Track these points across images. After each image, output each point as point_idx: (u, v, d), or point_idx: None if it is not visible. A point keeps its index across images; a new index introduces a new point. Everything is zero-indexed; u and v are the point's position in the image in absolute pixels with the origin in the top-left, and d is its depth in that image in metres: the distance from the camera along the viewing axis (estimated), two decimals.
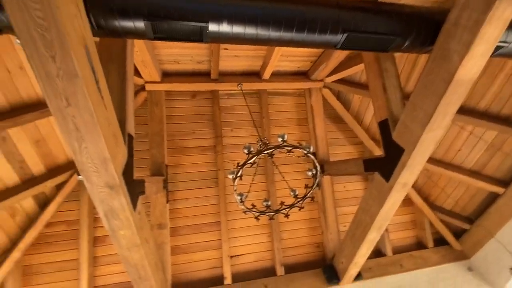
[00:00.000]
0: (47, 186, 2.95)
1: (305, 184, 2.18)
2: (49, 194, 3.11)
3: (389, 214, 2.46)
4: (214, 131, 3.59)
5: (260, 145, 2.32)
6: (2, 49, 2.29)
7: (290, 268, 3.44)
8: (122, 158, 1.72)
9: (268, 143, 2.31)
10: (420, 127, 1.90)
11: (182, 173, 3.47)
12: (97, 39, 1.81)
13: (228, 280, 3.21)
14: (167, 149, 3.33)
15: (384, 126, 2.26)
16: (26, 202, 2.93)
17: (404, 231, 4.02)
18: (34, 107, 2.60)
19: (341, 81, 3.69)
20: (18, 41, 2.12)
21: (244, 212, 2.13)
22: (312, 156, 1.94)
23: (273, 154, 1.84)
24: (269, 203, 2.27)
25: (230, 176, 2.00)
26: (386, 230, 3.87)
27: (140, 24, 1.45)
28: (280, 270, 3.36)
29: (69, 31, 1.13)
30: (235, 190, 2.00)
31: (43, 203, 3.09)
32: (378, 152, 3.79)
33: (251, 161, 1.81)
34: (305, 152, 1.88)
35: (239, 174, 1.89)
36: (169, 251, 3.13)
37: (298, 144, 1.90)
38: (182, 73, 3.44)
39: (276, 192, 3.58)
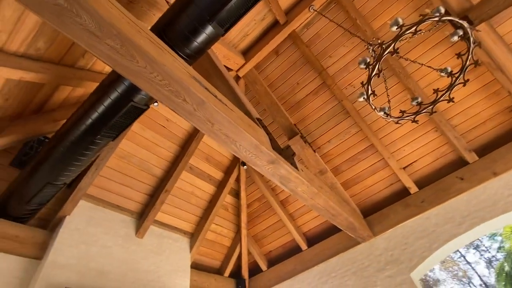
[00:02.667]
0: (230, 182, 3.89)
1: (456, 54, 1.69)
2: (235, 187, 4.09)
3: None
4: (314, 70, 3.43)
5: (372, 49, 2.00)
6: (150, 115, 3.13)
7: (484, 149, 2.87)
8: (265, 138, 1.99)
9: (379, 41, 1.95)
10: None
11: (311, 123, 3.58)
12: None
13: (413, 189, 3.11)
14: (286, 111, 3.52)
15: None
16: (227, 198, 4.01)
17: None
18: (189, 139, 3.44)
19: None
20: (156, 104, 2.78)
21: (397, 123, 1.95)
22: (451, 17, 1.44)
23: (397, 49, 1.53)
24: (419, 99, 1.96)
25: (361, 99, 1.86)
26: None
27: (209, 30, 1.57)
28: (470, 157, 2.88)
29: (179, 75, 1.39)
30: (375, 109, 1.85)
31: (235, 194, 4.12)
32: None
33: (375, 71, 1.60)
34: (438, 19, 1.42)
35: (370, 92, 1.73)
36: (341, 188, 3.40)
37: (422, 17, 1.47)
38: (256, 41, 3.45)
39: (419, 84, 3.02)
